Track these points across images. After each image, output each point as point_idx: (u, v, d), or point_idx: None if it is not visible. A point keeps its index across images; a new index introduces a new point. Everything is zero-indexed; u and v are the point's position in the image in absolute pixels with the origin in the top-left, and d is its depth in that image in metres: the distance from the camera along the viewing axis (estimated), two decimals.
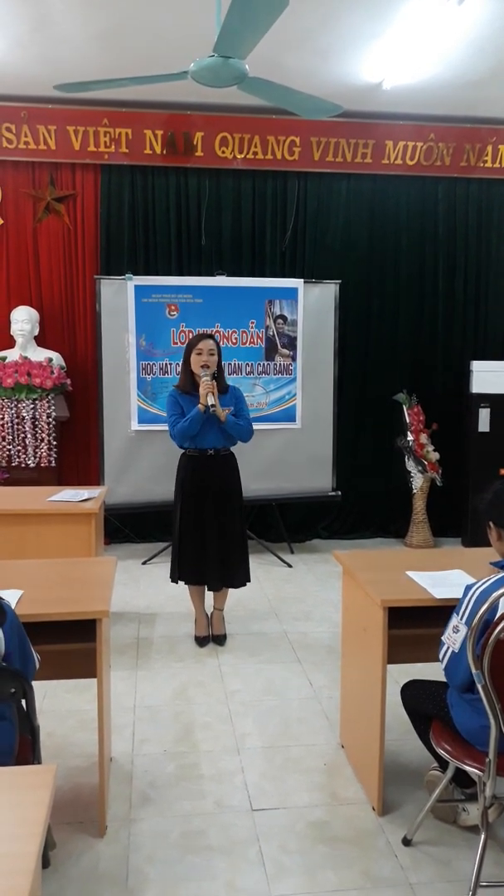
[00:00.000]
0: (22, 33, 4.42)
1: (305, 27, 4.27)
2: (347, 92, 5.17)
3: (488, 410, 5.94)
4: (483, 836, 2.19)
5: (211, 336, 4.01)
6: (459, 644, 2.13)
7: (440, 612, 2.41)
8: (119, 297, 5.43)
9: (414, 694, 2.56)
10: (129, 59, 4.64)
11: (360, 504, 6.38)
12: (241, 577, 4.13)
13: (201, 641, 4.14)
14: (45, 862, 2.33)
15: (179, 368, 5.51)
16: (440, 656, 2.27)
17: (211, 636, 4.20)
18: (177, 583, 4.14)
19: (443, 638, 2.26)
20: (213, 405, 3.79)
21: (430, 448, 6.01)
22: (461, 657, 2.12)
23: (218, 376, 3.96)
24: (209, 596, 4.24)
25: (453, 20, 4.13)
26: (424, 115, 5.84)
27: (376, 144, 5.91)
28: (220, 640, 4.17)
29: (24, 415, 5.37)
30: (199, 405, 3.83)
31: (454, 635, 2.18)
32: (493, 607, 2.05)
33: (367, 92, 5.31)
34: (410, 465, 6.03)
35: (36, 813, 1.35)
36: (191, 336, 5.51)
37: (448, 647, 2.22)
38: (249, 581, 4.18)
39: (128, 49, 4.58)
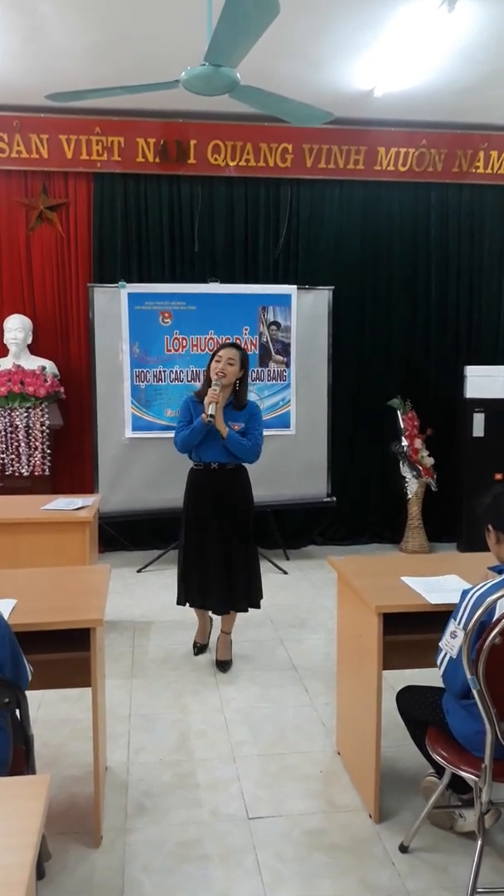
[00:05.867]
0: (15, 44, 4.43)
1: (297, 35, 4.29)
2: (339, 99, 5.19)
3: (482, 415, 5.95)
4: (479, 843, 2.18)
5: (235, 345, 3.80)
6: (457, 650, 2.11)
7: (436, 618, 2.40)
8: (112, 304, 5.44)
9: (409, 700, 2.55)
10: (121, 69, 4.65)
11: (355, 510, 6.38)
12: (245, 601, 3.88)
13: (198, 649, 4.04)
14: (41, 873, 2.31)
15: (173, 376, 5.58)
16: (438, 663, 2.26)
17: (215, 661, 3.98)
18: (184, 605, 3.96)
19: (440, 644, 2.24)
20: (210, 415, 3.59)
21: (425, 453, 6.01)
22: (460, 663, 2.10)
23: (239, 389, 3.75)
24: (216, 618, 4.06)
25: (444, 28, 4.15)
26: (416, 122, 5.86)
27: (368, 151, 5.94)
28: (223, 665, 3.91)
29: (18, 423, 5.36)
30: (203, 416, 3.62)
31: (452, 640, 2.16)
32: (490, 611, 2.04)
33: (358, 99, 5.33)
34: (405, 470, 6.03)
35: (30, 823, 1.34)
36: (185, 343, 5.54)
37: (446, 654, 2.20)
38: (258, 607, 3.95)
39: (120, 59, 4.59)
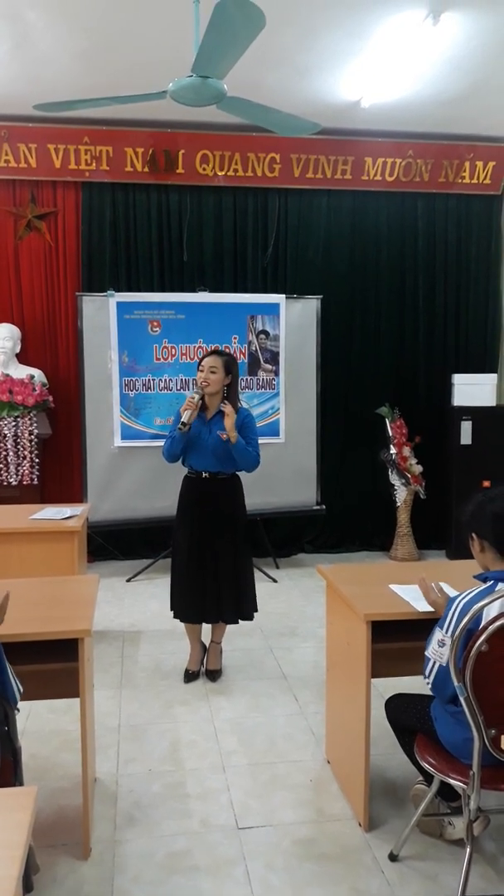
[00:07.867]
0: (2, 52, 4.44)
1: (284, 46, 4.32)
2: (326, 110, 5.23)
3: (470, 423, 5.98)
4: (468, 850, 2.18)
5: (218, 352, 3.74)
6: (447, 658, 2.12)
7: (424, 626, 2.41)
8: (101, 313, 5.44)
9: (398, 708, 2.56)
10: (109, 78, 4.67)
11: (344, 518, 6.38)
12: (235, 613, 3.80)
13: (189, 676, 3.87)
14: (29, 886, 2.28)
15: (162, 385, 5.58)
16: (426, 672, 2.25)
17: (204, 670, 3.94)
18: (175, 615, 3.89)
19: (427, 653, 2.24)
20: (183, 423, 3.56)
21: (414, 461, 6.03)
22: (449, 670, 2.11)
23: (227, 397, 3.69)
24: (207, 626, 3.97)
25: (429, 39, 4.19)
26: (403, 132, 5.90)
27: (356, 161, 5.97)
28: (212, 675, 3.88)
29: (6, 432, 5.34)
30: (179, 425, 3.59)
31: (440, 649, 2.17)
32: (476, 618, 2.05)
33: (345, 109, 5.36)
34: (394, 478, 6.05)
35: (16, 836, 1.33)
36: (174, 352, 5.55)
37: (435, 662, 2.20)
38: (239, 620, 3.84)
39: (108, 68, 4.61)
